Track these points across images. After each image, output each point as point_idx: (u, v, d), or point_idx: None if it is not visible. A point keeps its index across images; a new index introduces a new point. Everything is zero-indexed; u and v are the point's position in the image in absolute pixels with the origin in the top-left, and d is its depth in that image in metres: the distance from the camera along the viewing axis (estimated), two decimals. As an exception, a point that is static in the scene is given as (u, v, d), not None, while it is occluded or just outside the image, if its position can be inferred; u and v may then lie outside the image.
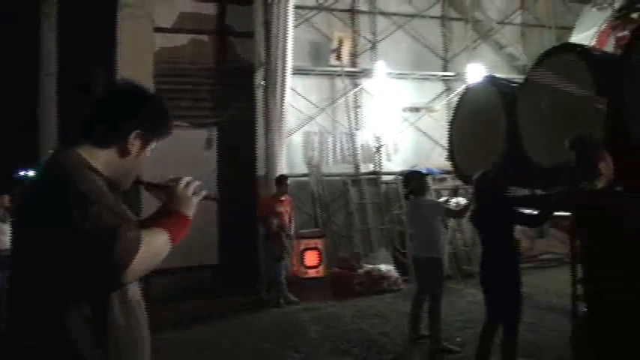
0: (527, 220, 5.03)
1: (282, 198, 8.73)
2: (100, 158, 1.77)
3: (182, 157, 9.03)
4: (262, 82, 10.07)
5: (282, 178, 8.87)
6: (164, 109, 1.93)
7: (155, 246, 1.71)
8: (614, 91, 4.19)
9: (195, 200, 1.90)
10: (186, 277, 9.10)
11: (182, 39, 10.89)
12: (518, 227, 5.08)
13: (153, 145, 1.88)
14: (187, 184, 1.90)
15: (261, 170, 10.06)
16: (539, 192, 5.40)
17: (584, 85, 4.43)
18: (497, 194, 4.88)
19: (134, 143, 1.81)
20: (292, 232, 8.90)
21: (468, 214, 5.54)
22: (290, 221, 8.81)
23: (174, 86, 10.36)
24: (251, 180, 10.23)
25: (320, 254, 9.62)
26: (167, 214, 1.84)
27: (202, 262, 9.29)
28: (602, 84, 4.29)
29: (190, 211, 1.88)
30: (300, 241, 9.48)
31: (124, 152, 1.81)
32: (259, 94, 10.20)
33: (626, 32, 8.01)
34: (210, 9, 11.15)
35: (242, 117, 10.44)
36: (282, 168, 9.84)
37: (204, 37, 11.12)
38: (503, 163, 5.23)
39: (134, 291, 1.80)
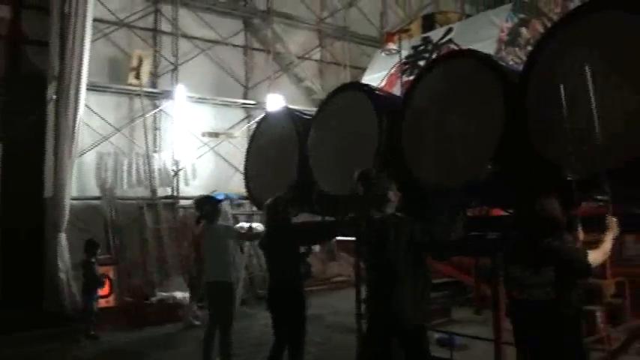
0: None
1: None
2: None
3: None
4: (54, 96, 9.31)
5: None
6: None
7: None
8: (394, 129, 4.64)
9: None
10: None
11: (-33, 41, 9.77)
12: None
13: None
14: None
15: (48, 192, 9.25)
16: (327, 219, 5.72)
17: (367, 120, 4.83)
18: (287, 220, 5.09)
19: None
20: None
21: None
22: None
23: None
24: (38, 201, 9.36)
25: (111, 283, 9.12)
26: None
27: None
28: (384, 121, 4.72)
29: None
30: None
31: None
32: (50, 108, 9.41)
33: (411, 77, 8.98)
34: (3, 11, 10.16)
35: (31, 133, 9.46)
36: (72, 189, 9.20)
37: (-6, 42, 10.09)
38: (295, 190, 5.43)
39: None
